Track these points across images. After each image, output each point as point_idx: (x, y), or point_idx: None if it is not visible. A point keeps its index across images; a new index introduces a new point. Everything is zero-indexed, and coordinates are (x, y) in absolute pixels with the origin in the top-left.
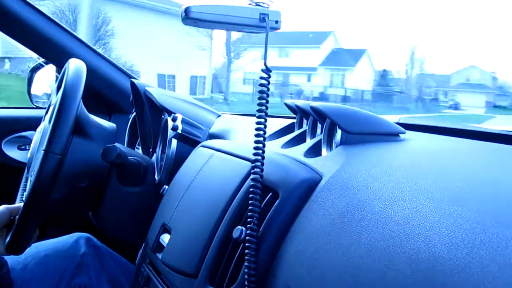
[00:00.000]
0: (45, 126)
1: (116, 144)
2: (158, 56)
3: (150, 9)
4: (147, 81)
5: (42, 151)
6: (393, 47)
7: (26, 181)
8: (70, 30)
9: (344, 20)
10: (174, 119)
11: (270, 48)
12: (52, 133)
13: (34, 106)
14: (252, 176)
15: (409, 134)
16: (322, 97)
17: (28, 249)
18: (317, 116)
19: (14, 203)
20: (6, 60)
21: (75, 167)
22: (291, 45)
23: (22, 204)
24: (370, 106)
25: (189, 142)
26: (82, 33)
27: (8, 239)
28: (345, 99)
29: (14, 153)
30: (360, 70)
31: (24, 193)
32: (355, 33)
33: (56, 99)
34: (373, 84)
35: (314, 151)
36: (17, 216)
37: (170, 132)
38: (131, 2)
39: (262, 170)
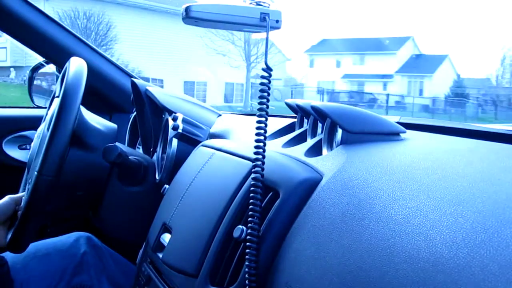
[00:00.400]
0: (44, 132)
1: (117, 143)
2: (181, 63)
3: (172, 14)
4: (173, 88)
5: (35, 173)
6: (480, 51)
7: (26, 184)
8: (70, 30)
9: (425, 24)
10: (174, 119)
11: (345, 55)
12: (45, 154)
13: (35, 106)
14: (252, 176)
15: (409, 133)
16: (399, 106)
17: (28, 248)
18: (318, 115)
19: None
20: (12, 69)
21: (72, 179)
22: (366, 51)
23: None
24: (446, 114)
25: (189, 141)
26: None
27: (9, 237)
28: (425, 108)
29: (15, 152)
30: (440, 76)
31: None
32: (437, 38)
33: (54, 108)
34: (450, 92)
35: (315, 150)
36: (19, 212)
37: (171, 132)
38: (150, 7)
39: (263, 170)
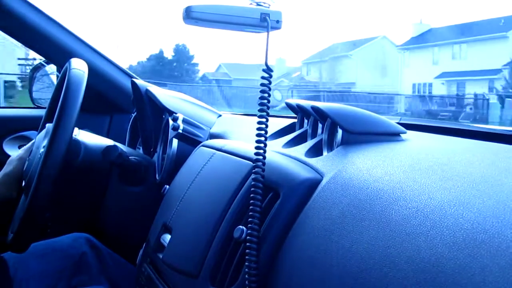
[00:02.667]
0: (41, 140)
1: (117, 144)
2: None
3: None
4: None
5: (35, 178)
6: None
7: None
8: (71, 30)
9: None
10: (175, 119)
11: (444, 47)
12: (45, 162)
13: (35, 106)
14: (253, 176)
15: (410, 134)
16: None
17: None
18: (318, 116)
19: (14, 202)
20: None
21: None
22: (469, 37)
23: (29, 146)
24: None
25: (190, 142)
26: None
27: (10, 237)
28: None
29: (15, 152)
30: None
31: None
32: None
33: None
34: None
35: (315, 151)
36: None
37: (171, 132)
38: None
39: (263, 170)
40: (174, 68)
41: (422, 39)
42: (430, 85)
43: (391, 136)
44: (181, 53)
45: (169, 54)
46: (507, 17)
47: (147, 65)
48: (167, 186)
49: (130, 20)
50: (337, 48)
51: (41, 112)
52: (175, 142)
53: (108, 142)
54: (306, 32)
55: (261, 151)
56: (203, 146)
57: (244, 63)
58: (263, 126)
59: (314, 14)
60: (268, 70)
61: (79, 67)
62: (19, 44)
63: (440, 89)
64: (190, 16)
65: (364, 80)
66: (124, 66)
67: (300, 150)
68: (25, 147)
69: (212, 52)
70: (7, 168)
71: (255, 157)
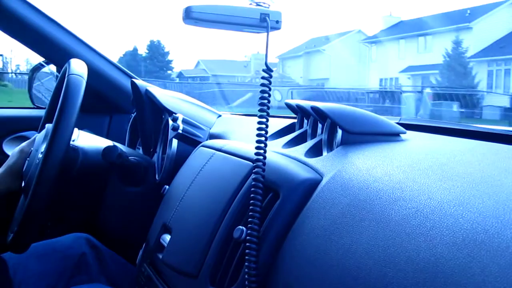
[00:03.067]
0: (41, 143)
1: (117, 144)
2: None
3: None
4: None
5: (35, 180)
6: None
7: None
8: (71, 30)
9: None
10: (174, 119)
11: (409, 40)
12: (44, 163)
13: (35, 106)
14: (253, 176)
15: (409, 134)
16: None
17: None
18: (318, 116)
19: (14, 202)
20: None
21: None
22: (432, 29)
23: (31, 140)
24: None
25: (189, 142)
26: None
27: (10, 238)
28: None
29: None
30: None
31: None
32: None
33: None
34: None
35: (315, 151)
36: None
37: (171, 132)
38: None
39: (263, 170)
40: (148, 64)
41: (391, 32)
42: (397, 79)
43: (391, 136)
44: (156, 49)
45: (143, 51)
46: (474, 8)
47: (122, 61)
48: (167, 186)
49: (106, 17)
50: (313, 43)
51: (41, 113)
52: (174, 142)
53: (107, 142)
54: (286, 26)
55: (262, 151)
56: (202, 146)
57: (223, 59)
58: (263, 126)
59: (294, 7)
60: (268, 70)
61: (78, 70)
62: None
63: (406, 83)
64: (190, 16)
65: (338, 75)
66: None
67: (299, 150)
68: (27, 141)
69: (191, 49)
70: (9, 160)
71: (255, 157)
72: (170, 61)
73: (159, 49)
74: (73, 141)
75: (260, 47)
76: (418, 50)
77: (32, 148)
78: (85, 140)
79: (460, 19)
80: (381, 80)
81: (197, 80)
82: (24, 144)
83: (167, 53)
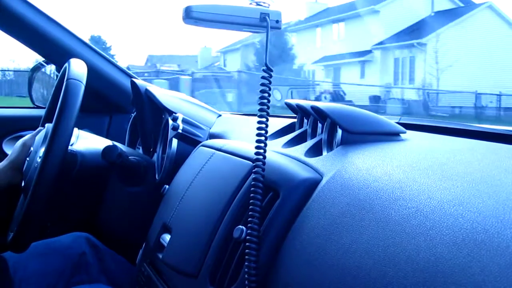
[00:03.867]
0: (40, 145)
1: (117, 144)
2: None
3: None
4: None
5: (34, 180)
6: None
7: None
8: (71, 30)
9: None
10: (174, 119)
11: (326, 26)
12: (43, 164)
13: (35, 106)
14: (253, 176)
15: (409, 133)
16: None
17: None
18: (318, 115)
19: (14, 202)
20: None
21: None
22: (342, 14)
23: (33, 133)
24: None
25: (189, 141)
26: None
27: (10, 237)
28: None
29: None
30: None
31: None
32: None
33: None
34: None
35: (315, 150)
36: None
37: (171, 132)
38: None
39: (263, 170)
40: None
41: (314, 20)
42: (314, 72)
43: (391, 136)
44: (95, 44)
45: None
46: None
47: None
48: (167, 186)
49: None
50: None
51: (41, 112)
52: (174, 142)
53: (107, 142)
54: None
55: (261, 151)
56: (202, 146)
57: (174, 54)
58: (263, 126)
59: None
60: (268, 70)
61: (77, 74)
62: None
63: (320, 75)
64: (190, 16)
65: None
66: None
67: (299, 150)
68: (30, 134)
69: (141, 44)
70: (12, 154)
71: (255, 157)
72: (111, 56)
73: (99, 44)
74: (72, 144)
75: (206, 40)
76: (333, 38)
77: (32, 148)
78: (84, 142)
79: (370, 2)
80: (303, 72)
81: (145, 76)
82: (26, 137)
83: (109, 48)
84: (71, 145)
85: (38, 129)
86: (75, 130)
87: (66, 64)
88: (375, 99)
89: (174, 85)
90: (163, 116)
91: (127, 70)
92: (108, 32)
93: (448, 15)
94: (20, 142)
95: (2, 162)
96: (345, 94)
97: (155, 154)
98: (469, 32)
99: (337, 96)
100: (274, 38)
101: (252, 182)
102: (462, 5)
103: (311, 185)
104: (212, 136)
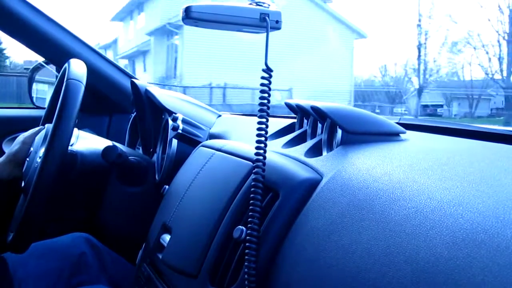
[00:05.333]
0: (40, 145)
1: (117, 144)
2: None
3: None
4: None
5: (34, 181)
6: None
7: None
8: (70, 30)
9: None
10: (174, 119)
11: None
12: (43, 164)
13: (35, 106)
14: (253, 176)
15: (409, 134)
16: None
17: None
18: (318, 116)
19: (14, 202)
20: None
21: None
22: None
23: (35, 131)
24: None
25: (189, 142)
26: None
27: (10, 237)
28: None
29: None
30: None
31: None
32: None
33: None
34: None
35: (315, 151)
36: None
37: (171, 132)
38: None
39: (263, 170)
40: None
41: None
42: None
43: (391, 136)
44: None
45: None
46: None
47: None
48: (167, 186)
49: None
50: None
51: (41, 112)
52: (174, 142)
53: (107, 142)
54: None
55: (261, 151)
56: (202, 146)
57: None
58: (264, 126)
59: None
60: (268, 70)
61: (77, 74)
62: None
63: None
64: (190, 16)
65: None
66: None
67: (299, 150)
68: (30, 131)
69: None
70: (13, 147)
71: (255, 157)
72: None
73: None
74: (72, 145)
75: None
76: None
77: (32, 148)
78: (84, 142)
79: None
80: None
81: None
82: (27, 134)
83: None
84: (71, 145)
85: (38, 128)
86: (75, 130)
87: (66, 65)
88: None
89: None
90: (163, 116)
91: (126, 70)
92: None
93: None
94: (20, 138)
95: (2, 157)
96: None
97: (155, 154)
98: None
99: None
100: None
101: (252, 183)
102: None
103: (311, 185)
104: (212, 136)
